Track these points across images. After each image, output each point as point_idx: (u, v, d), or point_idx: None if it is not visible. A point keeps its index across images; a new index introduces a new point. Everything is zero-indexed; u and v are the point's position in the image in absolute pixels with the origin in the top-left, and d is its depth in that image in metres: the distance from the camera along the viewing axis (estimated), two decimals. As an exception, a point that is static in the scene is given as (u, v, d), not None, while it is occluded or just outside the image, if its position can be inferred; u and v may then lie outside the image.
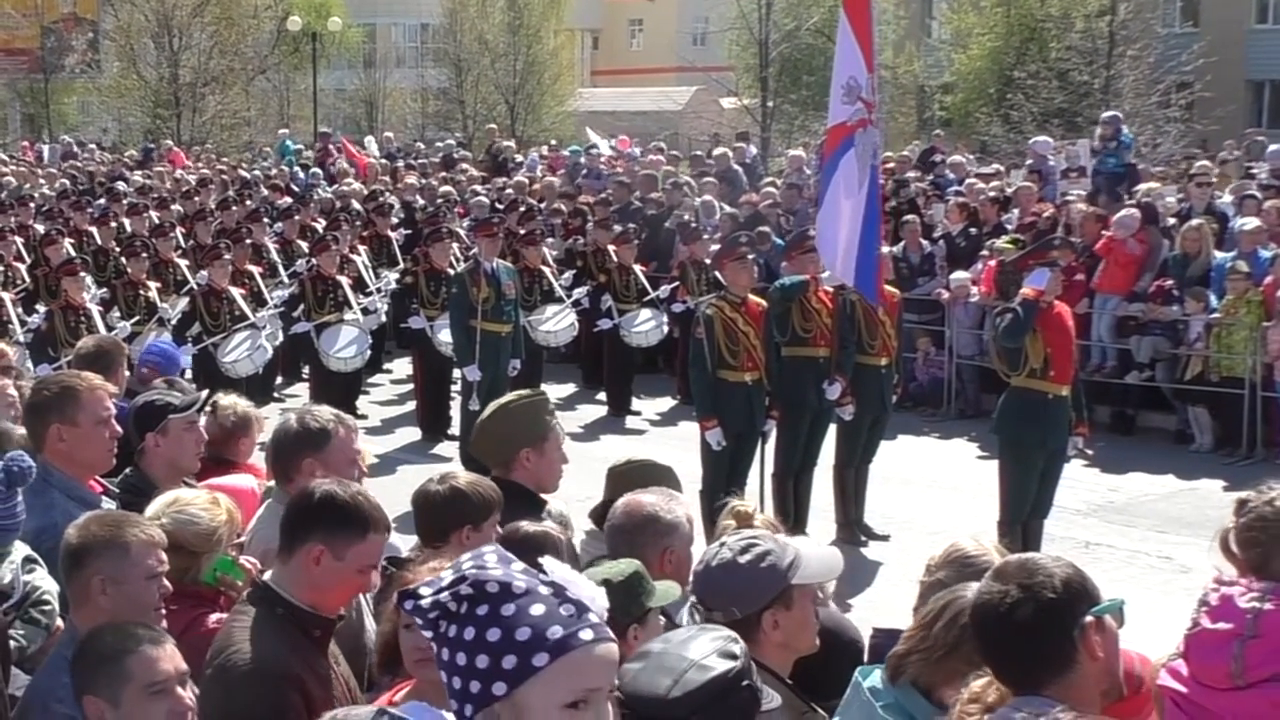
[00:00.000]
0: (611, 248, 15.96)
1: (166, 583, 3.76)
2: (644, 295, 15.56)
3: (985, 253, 15.31)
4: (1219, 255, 14.05)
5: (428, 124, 42.95)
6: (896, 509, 11.20)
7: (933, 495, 11.79)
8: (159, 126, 38.79)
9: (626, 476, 5.03)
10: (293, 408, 13.97)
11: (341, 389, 13.63)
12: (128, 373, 6.82)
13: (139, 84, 40.75)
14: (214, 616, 4.13)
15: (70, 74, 44.74)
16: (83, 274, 14.05)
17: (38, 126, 43.34)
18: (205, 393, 5.50)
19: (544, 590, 2.30)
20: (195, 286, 14.49)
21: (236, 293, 14.05)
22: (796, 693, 3.51)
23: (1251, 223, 13.99)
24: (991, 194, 16.77)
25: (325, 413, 4.77)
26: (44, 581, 4.21)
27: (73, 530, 3.74)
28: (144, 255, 14.84)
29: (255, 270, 15.24)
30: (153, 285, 14.51)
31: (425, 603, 2.29)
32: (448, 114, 42.93)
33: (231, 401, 5.91)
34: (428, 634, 2.32)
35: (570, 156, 25.35)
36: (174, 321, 14.03)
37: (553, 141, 31.87)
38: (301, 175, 25.58)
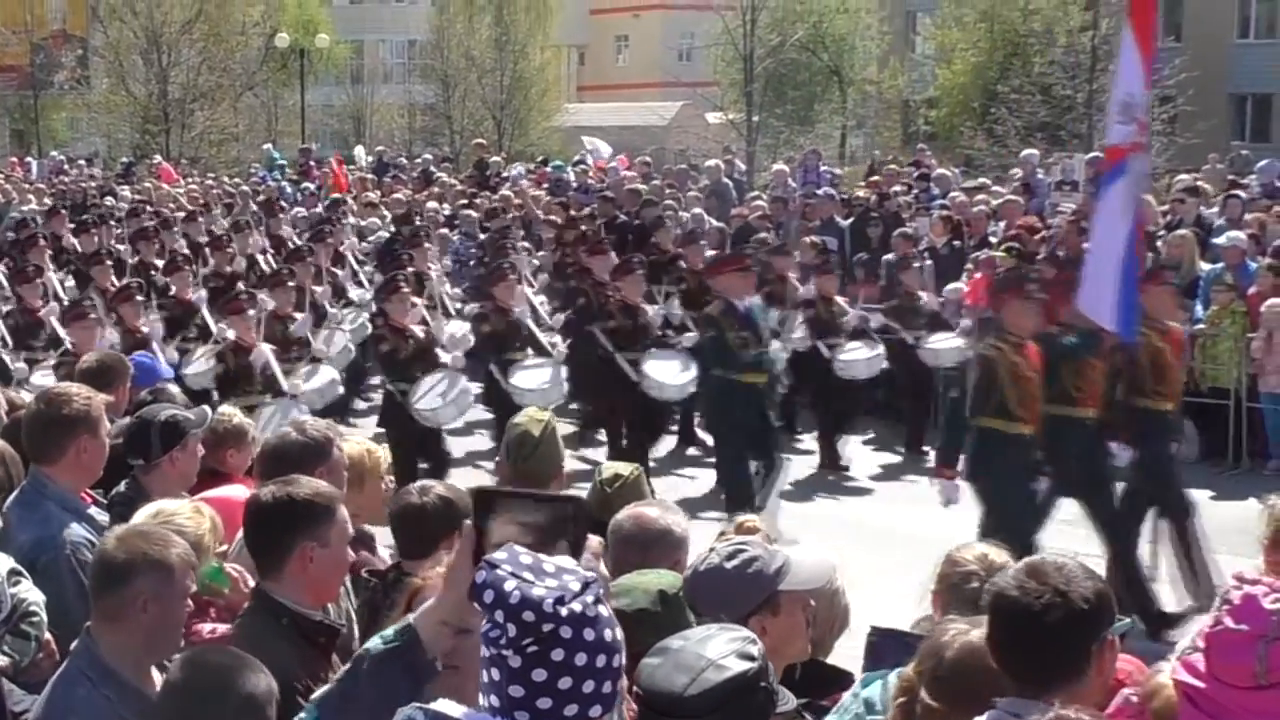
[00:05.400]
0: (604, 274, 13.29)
1: (191, 602, 3.77)
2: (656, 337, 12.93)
3: (970, 266, 15.36)
4: (1205, 266, 14.13)
5: (415, 139, 43.00)
6: (899, 522, 11.22)
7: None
8: (148, 142, 38.83)
9: (620, 493, 4.98)
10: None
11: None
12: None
13: (128, 100, 40.79)
14: (207, 627, 4.13)
15: (59, 90, 44.69)
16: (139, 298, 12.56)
17: (26, 142, 43.26)
18: (204, 408, 5.61)
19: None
20: (219, 340, 12.05)
21: (267, 349, 10.98)
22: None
23: (1236, 235, 14.06)
24: (980, 207, 16.84)
25: (321, 424, 4.87)
26: (30, 594, 4.16)
27: (114, 545, 3.65)
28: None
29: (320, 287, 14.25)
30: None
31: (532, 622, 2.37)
32: (435, 129, 43.02)
33: (229, 412, 5.97)
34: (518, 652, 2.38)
35: (553, 171, 25.36)
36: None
37: (540, 157, 31.86)
38: (289, 189, 25.56)
